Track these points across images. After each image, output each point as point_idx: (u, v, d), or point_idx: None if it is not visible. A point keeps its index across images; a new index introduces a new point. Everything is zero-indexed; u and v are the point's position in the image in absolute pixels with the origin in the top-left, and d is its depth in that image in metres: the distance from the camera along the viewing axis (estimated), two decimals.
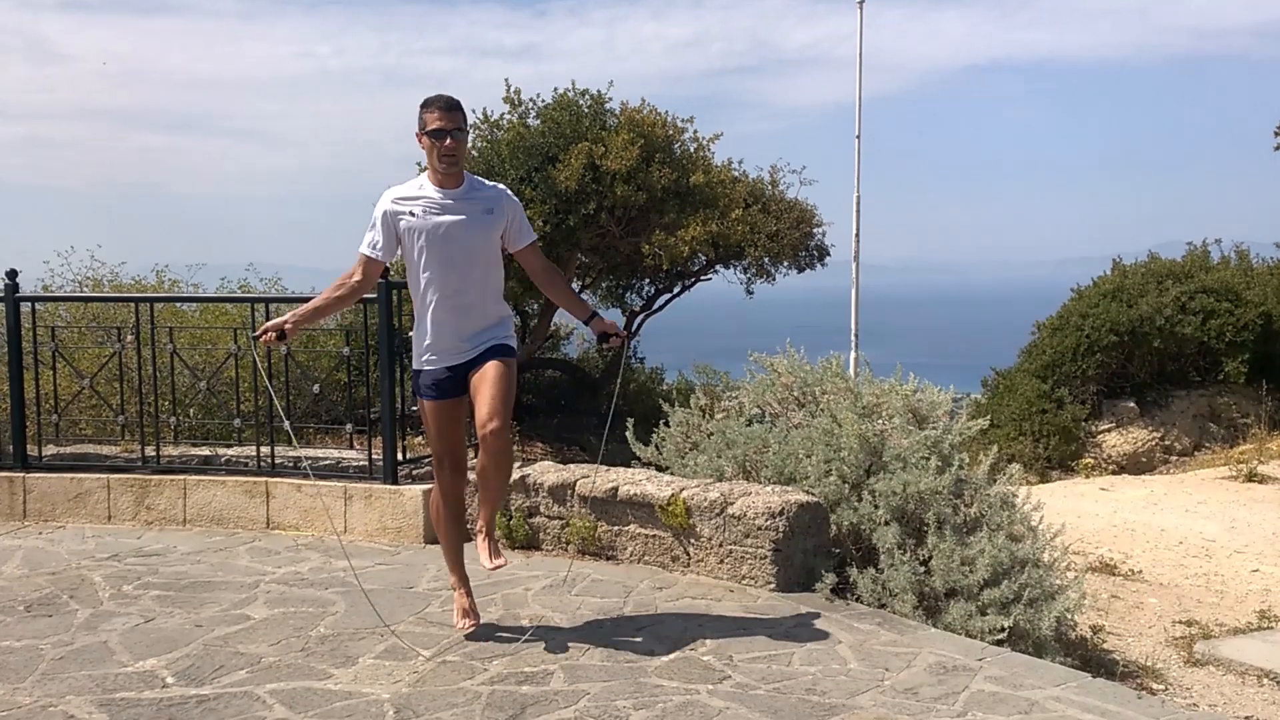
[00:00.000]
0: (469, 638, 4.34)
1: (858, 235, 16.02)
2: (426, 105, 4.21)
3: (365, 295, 4.99)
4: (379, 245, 4.27)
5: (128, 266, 11.85)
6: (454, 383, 4.31)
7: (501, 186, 4.43)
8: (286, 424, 5.27)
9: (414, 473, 6.26)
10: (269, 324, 4.34)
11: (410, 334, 4.51)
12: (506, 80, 13.52)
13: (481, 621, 4.47)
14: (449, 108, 4.19)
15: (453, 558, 4.52)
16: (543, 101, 13.39)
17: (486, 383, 4.19)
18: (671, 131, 13.59)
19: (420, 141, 4.24)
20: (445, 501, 4.47)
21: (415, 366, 4.39)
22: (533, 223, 11.70)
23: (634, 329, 17.97)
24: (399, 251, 4.35)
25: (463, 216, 4.22)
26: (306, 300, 4.63)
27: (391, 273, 5.79)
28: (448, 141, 4.16)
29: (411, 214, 4.22)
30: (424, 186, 4.27)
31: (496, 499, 4.42)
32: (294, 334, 4.38)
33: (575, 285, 15.08)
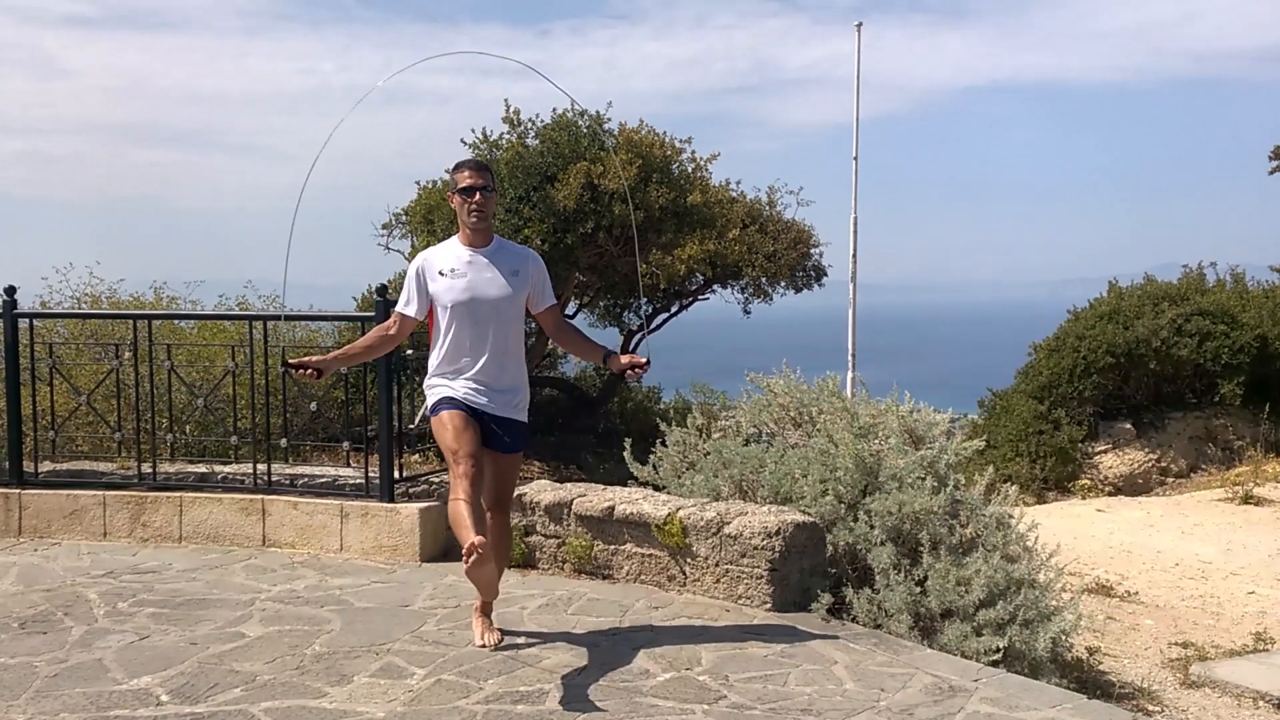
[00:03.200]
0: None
1: (855, 255, 16.06)
2: (458, 167, 4.52)
3: (363, 314, 5.10)
4: (411, 303, 4.55)
5: (126, 283, 11.84)
6: (469, 409, 4.43)
7: (529, 250, 4.67)
8: (284, 441, 5.27)
9: (411, 491, 6.25)
10: (311, 361, 4.49)
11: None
12: (506, 100, 13.59)
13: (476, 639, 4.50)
14: (478, 168, 4.51)
15: (476, 524, 4.19)
16: (541, 122, 13.46)
17: (496, 472, 4.52)
18: (669, 151, 13.65)
19: (451, 200, 4.54)
20: (471, 491, 4.22)
21: (430, 403, 4.50)
22: (530, 242, 11.77)
23: (632, 348, 18.01)
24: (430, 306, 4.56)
25: (490, 275, 4.46)
26: (305, 318, 4.71)
27: (389, 292, 5.81)
28: (477, 197, 4.43)
29: (441, 273, 4.48)
30: (455, 247, 4.55)
31: (496, 579, 4.54)
32: (329, 372, 4.56)
33: (573, 305, 15.11)
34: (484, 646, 4.47)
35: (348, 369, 6.67)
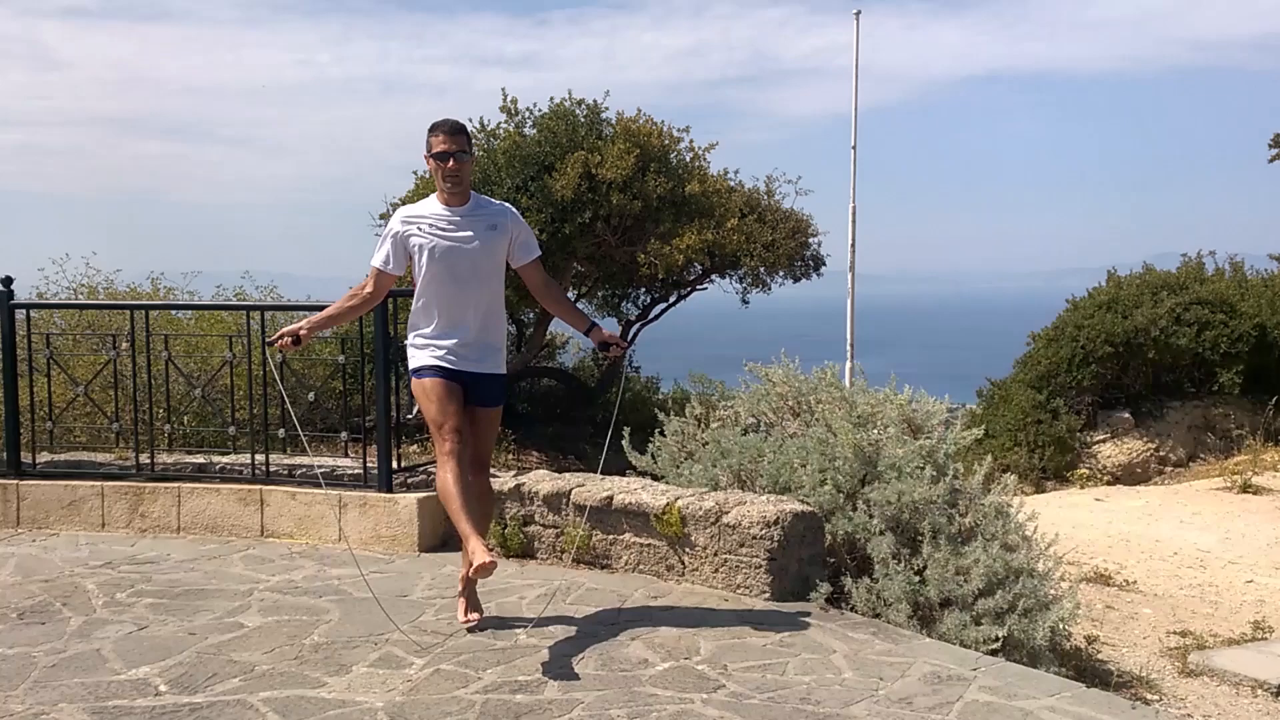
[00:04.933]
0: (471, 630, 4.35)
1: (853, 245, 16.05)
2: (433, 129, 4.47)
3: None
4: (389, 259, 4.52)
5: (123, 274, 11.84)
6: (451, 374, 4.46)
7: (507, 205, 4.67)
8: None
9: (409, 481, 6.25)
10: (285, 330, 4.56)
11: (406, 342, 4.59)
12: (503, 90, 13.56)
13: (477, 624, 4.53)
14: (453, 131, 4.47)
15: (466, 512, 4.30)
16: (539, 111, 13.42)
17: (478, 428, 4.55)
18: (667, 141, 13.62)
19: (427, 162, 4.52)
20: (457, 468, 4.34)
21: (411, 368, 4.52)
22: None
23: (630, 338, 18.00)
24: (408, 265, 4.57)
25: (468, 233, 4.46)
26: (303, 309, 4.72)
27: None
28: (450, 164, 4.43)
29: (420, 230, 4.46)
30: (432, 205, 4.53)
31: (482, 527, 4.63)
32: (308, 339, 4.59)
33: (571, 294, 15.09)
34: (466, 624, 4.54)
35: (346, 358, 6.67)
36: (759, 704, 3.77)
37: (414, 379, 4.51)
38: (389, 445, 6.10)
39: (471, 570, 4.31)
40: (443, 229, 4.45)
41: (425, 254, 4.43)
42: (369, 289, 4.61)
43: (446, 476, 4.33)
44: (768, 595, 4.91)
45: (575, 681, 3.97)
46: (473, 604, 4.65)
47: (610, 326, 17.73)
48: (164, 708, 3.76)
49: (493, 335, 4.58)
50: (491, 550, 4.44)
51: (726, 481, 5.70)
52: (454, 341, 4.46)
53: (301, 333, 4.56)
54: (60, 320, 9.86)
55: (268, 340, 4.61)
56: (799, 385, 6.24)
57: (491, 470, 5.61)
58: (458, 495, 4.29)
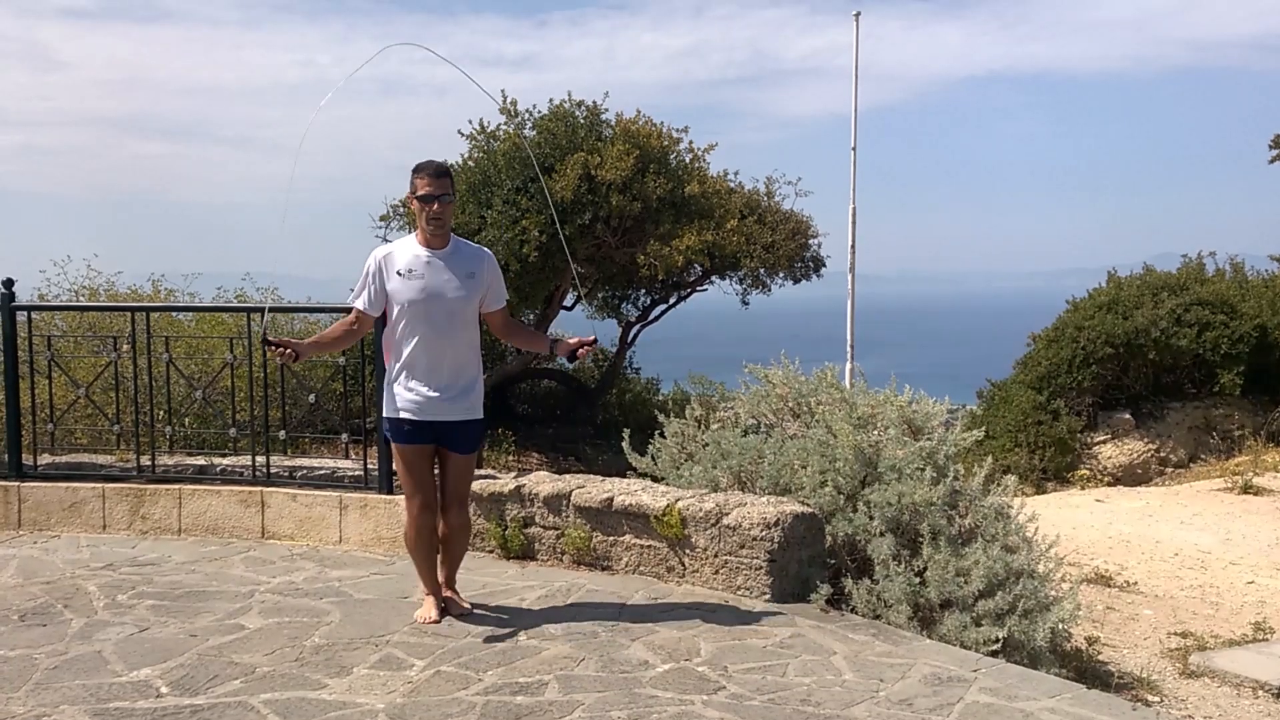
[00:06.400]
0: (451, 647, 4.35)
1: (853, 246, 16.04)
2: (417, 171, 4.54)
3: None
4: (368, 300, 4.61)
5: (124, 275, 11.83)
6: (423, 433, 4.59)
7: (485, 251, 4.74)
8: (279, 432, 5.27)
9: None
10: (289, 342, 4.58)
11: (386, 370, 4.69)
12: (503, 91, 13.54)
13: (476, 630, 4.51)
14: (437, 174, 4.53)
15: (426, 573, 4.82)
16: (538, 112, 13.41)
17: (452, 473, 4.69)
18: (667, 142, 13.61)
19: (410, 203, 4.57)
20: (419, 535, 4.71)
21: (386, 414, 4.68)
22: (528, 232, 11.73)
23: (630, 339, 18.00)
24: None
25: (447, 278, 4.52)
26: (302, 310, 4.74)
27: None
28: (435, 206, 4.49)
29: (399, 274, 4.53)
30: (412, 246, 4.59)
31: (456, 560, 4.93)
32: (304, 358, 4.68)
33: (571, 297, 15.09)
34: (428, 621, 4.69)
35: (346, 360, 6.68)
36: (759, 705, 3.77)
37: (389, 428, 4.69)
38: (389, 447, 6.09)
39: (417, 616, 4.73)
40: (421, 275, 4.50)
41: (403, 297, 4.51)
42: (355, 327, 4.73)
43: (411, 535, 4.72)
44: (768, 596, 4.92)
45: (576, 683, 3.97)
46: (440, 606, 4.81)
47: (610, 328, 17.76)
48: (165, 709, 3.76)
49: (469, 379, 4.64)
50: (436, 612, 4.73)
51: (727, 483, 5.70)
52: (427, 388, 4.54)
53: (300, 353, 4.60)
54: (61, 322, 9.86)
55: (265, 339, 4.61)
56: (799, 386, 6.24)
57: (492, 471, 5.67)
58: (421, 556, 4.74)
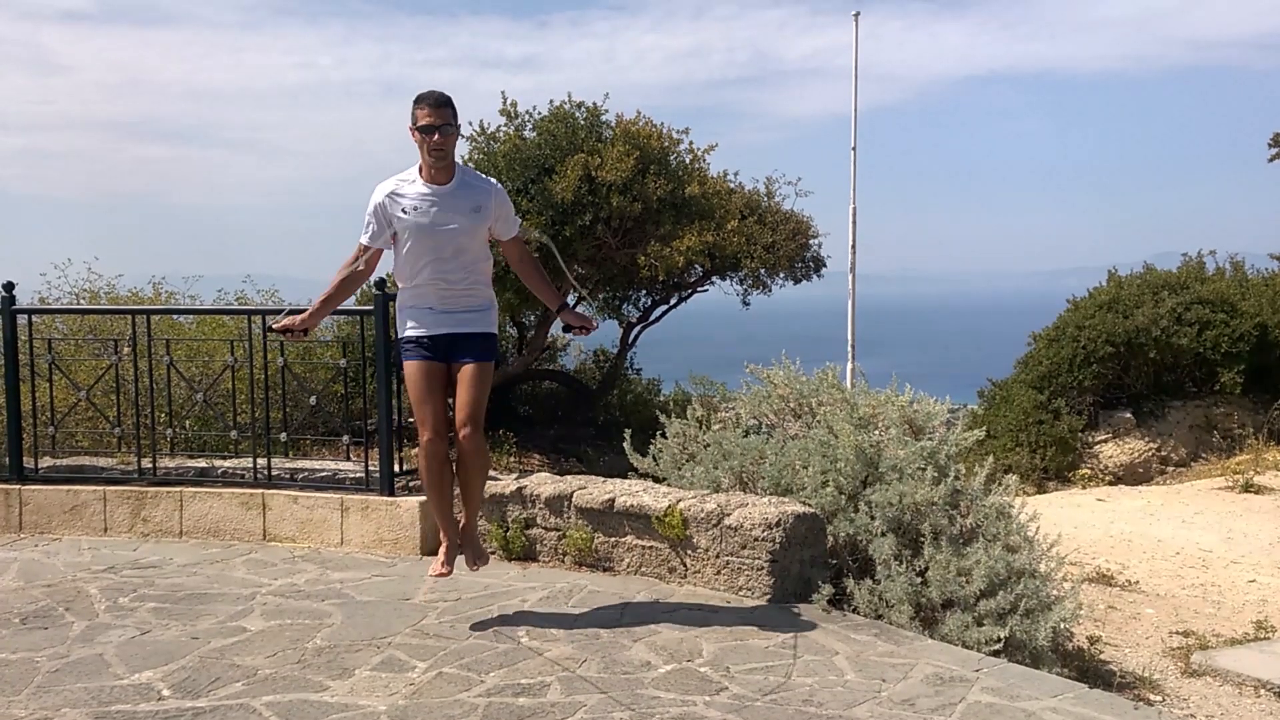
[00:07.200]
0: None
1: (854, 246, 16.06)
2: (418, 101, 4.42)
3: (363, 309, 5.18)
4: (375, 235, 4.53)
5: (125, 278, 11.83)
6: (435, 348, 4.52)
7: (493, 183, 4.63)
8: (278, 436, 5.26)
9: (411, 484, 6.25)
10: (294, 322, 4.56)
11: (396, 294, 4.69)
12: (503, 93, 13.55)
13: (477, 632, 4.51)
14: (438, 104, 4.39)
15: (440, 510, 4.73)
16: (539, 114, 13.42)
17: (464, 385, 4.51)
18: (667, 143, 13.61)
19: (412, 135, 4.45)
20: (429, 464, 4.61)
21: (399, 335, 4.62)
22: (528, 233, 11.73)
23: (631, 340, 18.00)
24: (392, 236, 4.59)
25: (451, 215, 4.43)
26: (304, 312, 4.70)
27: (388, 285, 5.80)
28: (435, 137, 4.38)
29: (404, 211, 4.44)
30: (415, 181, 4.49)
31: (476, 497, 4.75)
32: (313, 327, 4.65)
33: (572, 298, 15.09)
34: (436, 576, 4.73)
35: (347, 362, 6.68)
36: (761, 706, 3.77)
37: (403, 360, 4.61)
38: (390, 448, 6.10)
39: (430, 570, 4.72)
40: (425, 211, 4.42)
41: (408, 233, 4.44)
42: (360, 265, 4.59)
43: (423, 466, 4.61)
44: (770, 597, 4.91)
45: (578, 684, 3.97)
46: (450, 558, 4.77)
47: (611, 329, 17.77)
48: (167, 712, 3.76)
49: (482, 299, 4.60)
50: (444, 564, 4.73)
51: (728, 483, 5.70)
52: (435, 304, 4.50)
53: (308, 324, 4.59)
54: (62, 325, 9.85)
55: (271, 328, 4.63)
56: (800, 387, 6.25)
57: (493, 473, 5.65)
58: (434, 489, 4.64)
